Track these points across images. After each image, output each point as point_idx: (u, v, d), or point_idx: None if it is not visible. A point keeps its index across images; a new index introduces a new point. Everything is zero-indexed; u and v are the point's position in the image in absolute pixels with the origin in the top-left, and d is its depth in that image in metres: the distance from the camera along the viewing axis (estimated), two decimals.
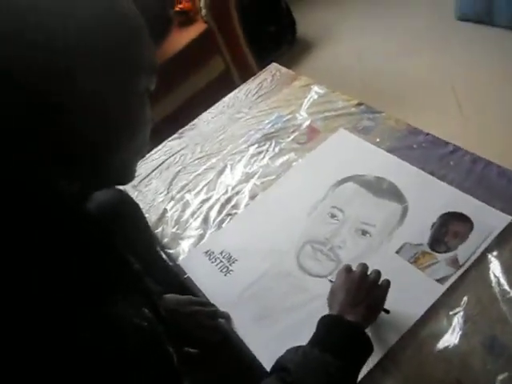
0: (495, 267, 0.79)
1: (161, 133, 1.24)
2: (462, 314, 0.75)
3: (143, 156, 0.56)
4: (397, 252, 0.86)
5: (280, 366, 0.61)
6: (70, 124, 0.44)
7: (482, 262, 0.80)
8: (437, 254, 0.83)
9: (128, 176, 0.54)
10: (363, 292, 0.70)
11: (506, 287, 0.76)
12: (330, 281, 0.78)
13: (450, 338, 0.73)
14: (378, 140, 1.07)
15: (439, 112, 1.86)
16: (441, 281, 0.79)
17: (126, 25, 0.47)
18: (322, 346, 0.62)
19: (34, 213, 0.43)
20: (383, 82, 2.11)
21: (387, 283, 0.74)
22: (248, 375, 0.81)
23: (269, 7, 2.38)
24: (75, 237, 0.45)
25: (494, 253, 0.80)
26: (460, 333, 0.73)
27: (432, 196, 0.92)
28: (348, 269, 0.75)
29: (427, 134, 1.05)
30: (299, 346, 0.63)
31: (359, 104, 1.18)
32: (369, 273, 0.74)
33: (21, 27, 0.40)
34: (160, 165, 1.22)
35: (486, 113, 1.82)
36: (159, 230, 1.06)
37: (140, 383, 0.43)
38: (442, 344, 0.73)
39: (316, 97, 1.24)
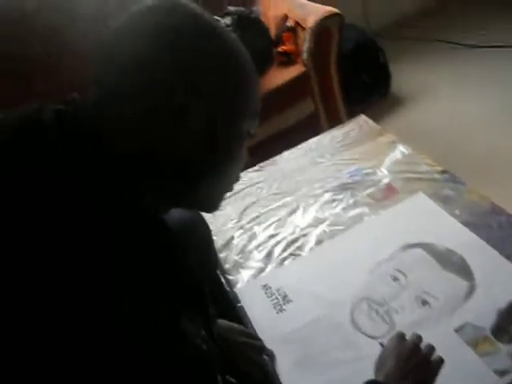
0: None
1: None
2: None
3: (230, 190, 0.60)
4: (456, 330, 0.83)
5: None
6: (178, 149, 0.49)
7: None
8: (499, 343, 0.79)
9: (214, 207, 0.59)
10: (412, 365, 0.69)
11: None
12: (381, 344, 0.77)
13: None
14: (456, 212, 1.05)
15: None
16: (500, 373, 0.75)
17: (243, 73, 0.52)
18: None
19: (119, 220, 0.47)
20: (472, 150, 2.05)
21: (440, 361, 0.72)
22: None
23: (367, 58, 2.43)
24: (154, 247, 0.49)
25: None
26: None
27: (503, 280, 0.89)
28: (401, 336, 0.74)
29: (510, 216, 1.01)
30: None
31: (443, 172, 1.16)
32: (422, 346, 0.72)
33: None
34: (236, 193, 1.27)
35: None
36: (223, 254, 1.10)
37: None
38: None
39: (400, 156, 1.25)
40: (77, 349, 0.41)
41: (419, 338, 0.73)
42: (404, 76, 2.58)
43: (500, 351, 0.78)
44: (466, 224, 1.02)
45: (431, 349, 0.72)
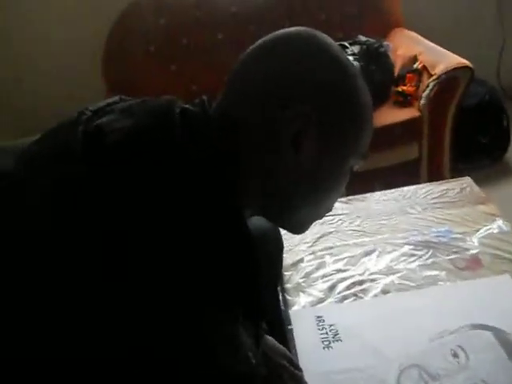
0: None
1: None
2: None
3: (320, 219, 0.62)
4: None
5: None
6: (282, 173, 0.52)
7: None
8: None
9: (300, 230, 0.61)
10: None
11: None
12: None
13: None
14: None
15: None
16: None
17: (362, 111, 0.54)
18: None
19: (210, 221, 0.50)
20: None
21: None
22: None
23: (489, 117, 2.30)
24: (232, 251, 0.51)
25: None
26: None
27: None
28: None
29: None
30: None
31: None
32: None
33: None
34: None
35: None
36: (288, 273, 1.12)
37: None
38: None
39: (496, 231, 1.18)
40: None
41: None
42: None
43: None
44: None
45: None
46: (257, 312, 0.62)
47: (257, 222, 0.85)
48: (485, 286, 1.04)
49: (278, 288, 1.08)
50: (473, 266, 1.09)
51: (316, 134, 0.51)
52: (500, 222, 1.20)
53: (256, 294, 0.58)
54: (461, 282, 1.05)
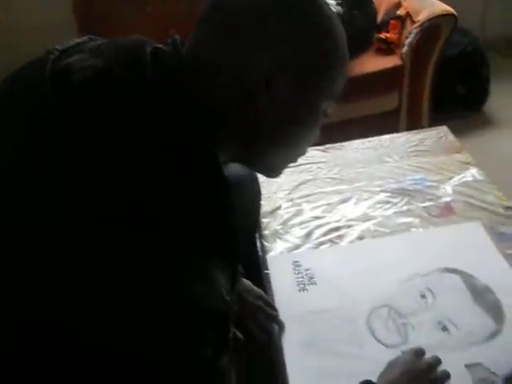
0: None
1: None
2: None
3: (295, 162, 0.62)
4: (467, 366, 0.82)
5: None
6: (260, 112, 0.51)
7: None
8: None
9: (275, 173, 0.62)
10: (418, 382, 0.70)
11: None
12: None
13: None
14: (509, 252, 1.01)
15: None
16: None
17: (335, 54, 0.53)
18: None
19: (192, 170, 0.50)
20: None
21: None
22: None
23: (469, 69, 2.29)
24: (210, 196, 0.51)
25: None
26: None
27: None
28: (419, 353, 0.74)
29: None
30: None
31: (509, 208, 1.11)
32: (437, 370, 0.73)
33: None
34: (296, 166, 1.28)
35: None
36: (266, 220, 1.13)
37: (197, 337, 0.48)
38: None
39: (470, 179, 1.20)
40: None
41: (438, 362, 0.73)
42: (503, 97, 2.43)
43: None
44: None
45: (446, 376, 0.73)
46: (232, 254, 0.63)
47: (234, 169, 0.86)
48: (456, 233, 1.07)
49: (256, 234, 1.10)
50: (445, 213, 1.12)
51: (290, 75, 0.50)
52: (474, 170, 1.23)
53: (230, 235, 0.59)
54: (433, 228, 1.08)
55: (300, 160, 1.26)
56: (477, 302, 0.92)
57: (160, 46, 0.54)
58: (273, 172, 0.62)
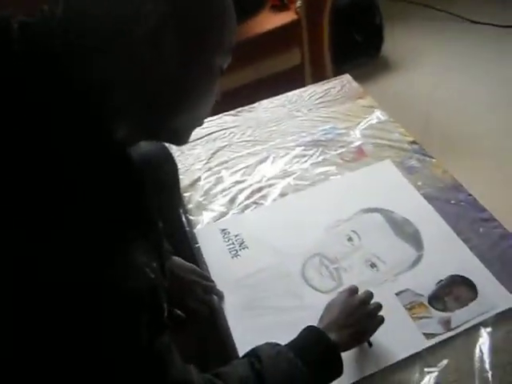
0: (484, 343, 0.80)
1: (219, 104, 1.29)
2: (436, 374, 0.77)
3: (201, 125, 0.60)
4: (396, 294, 0.87)
5: (254, 353, 0.65)
6: (144, 77, 0.48)
7: (473, 333, 0.81)
8: (432, 310, 0.84)
9: (182, 139, 0.59)
10: (355, 317, 0.73)
11: (487, 366, 0.77)
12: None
13: None
14: (419, 183, 1.08)
15: (490, 174, 1.83)
16: (428, 336, 0.81)
17: (221, 4, 0.51)
18: (297, 352, 0.66)
19: (79, 147, 0.46)
20: (446, 124, 2.08)
21: (381, 319, 0.77)
22: (221, 352, 0.86)
23: (362, 17, 2.36)
24: (112, 175, 0.49)
25: (488, 329, 0.81)
26: None
27: (449, 254, 0.93)
28: (353, 291, 0.78)
29: (469, 195, 1.05)
30: (278, 344, 0.68)
31: (413, 142, 1.18)
32: (371, 303, 0.77)
33: None
34: (209, 134, 1.26)
35: None
36: (187, 194, 1.11)
37: (129, 323, 0.47)
38: None
39: (375, 121, 1.25)
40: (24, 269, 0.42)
41: (370, 296, 0.77)
42: (397, 40, 2.54)
43: (432, 317, 0.83)
44: (426, 196, 1.05)
45: (378, 308, 0.77)
46: (154, 233, 0.61)
47: (144, 147, 0.82)
48: (370, 173, 1.12)
49: (180, 209, 1.07)
50: (358, 156, 1.16)
51: (175, 31, 0.47)
52: (378, 112, 1.28)
53: (149, 215, 0.57)
54: (349, 173, 1.12)
55: (212, 128, 1.27)
56: (398, 234, 0.98)
57: (28, 19, 0.48)
58: (180, 139, 0.59)
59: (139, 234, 0.51)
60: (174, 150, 1.17)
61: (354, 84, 1.40)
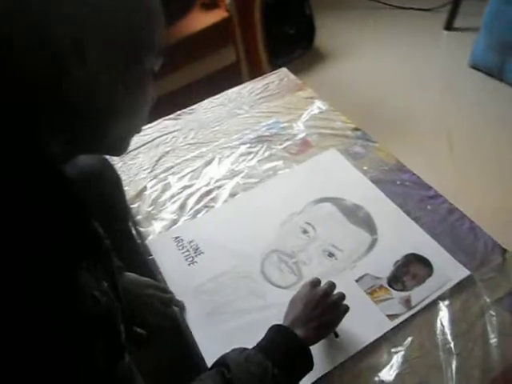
0: (444, 316, 0.82)
1: (157, 109, 1.25)
2: (402, 353, 0.78)
3: (139, 132, 0.57)
4: (356, 280, 0.88)
5: (222, 362, 0.63)
6: (72, 90, 0.45)
7: (432, 308, 0.83)
8: (393, 291, 0.86)
9: (120, 149, 0.56)
10: (320, 310, 0.73)
11: (449, 337, 0.79)
12: None
13: (386, 375, 0.76)
14: (365, 168, 1.10)
15: (430, 152, 1.90)
16: (391, 317, 0.82)
17: (142, 3, 0.48)
18: (266, 354, 0.65)
19: (8, 167, 0.43)
20: (385, 109, 2.14)
21: (346, 308, 0.77)
22: (188, 365, 0.83)
23: (292, 10, 2.38)
24: (50, 198, 0.46)
25: (446, 302, 0.84)
26: (396, 372, 0.76)
27: (402, 235, 0.95)
28: (315, 283, 0.77)
29: (413, 174, 1.08)
30: (245, 348, 0.66)
31: (356, 129, 1.20)
32: (334, 293, 0.76)
33: None
34: (150, 141, 1.22)
35: (474, 163, 1.86)
36: (135, 205, 1.07)
37: (85, 352, 0.44)
38: (377, 378, 0.76)
39: (316, 111, 1.26)
40: None
41: (332, 286, 0.77)
42: (328, 31, 2.59)
43: (393, 298, 0.85)
44: (373, 180, 1.06)
45: (341, 297, 0.77)
46: (101, 252, 0.57)
47: (83, 162, 0.77)
48: (317, 164, 1.13)
49: (129, 223, 1.03)
50: (304, 148, 1.17)
51: (96, 38, 0.44)
52: (318, 103, 1.29)
53: (92, 233, 0.53)
54: (297, 165, 1.12)
55: (153, 134, 1.23)
56: (351, 221, 0.99)
57: None
58: (118, 149, 0.56)
59: (84, 257, 0.48)
60: (115, 160, 1.13)
61: (292, 77, 1.41)
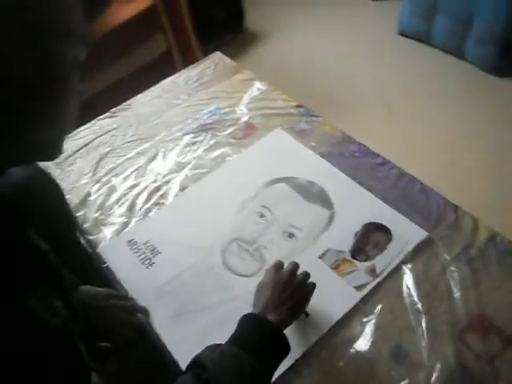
0: (408, 279, 0.83)
1: (92, 110, 1.18)
2: (374, 321, 0.79)
3: (70, 132, 0.52)
4: (320, 257, 0.88)
5: (197, 362, 0.61)
6: None
7: (397, 272, 0.84)
8: (357, 262, 0.86)
9: (53, 152, 0.50)
10: (289, 292, 0.71)
11: (415, 298, 0.80)
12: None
13: (361, 345, 0.76)
14: (313, 144, 1.09)
15: (371, 120, 1.93)
16: (358, 288, 0.82)
17: None
18: (241, 345, 0.63)
19: None
20: (323, 85, 2.15)
21: (313, 286, 0.76)
22: (162, 371, 0.80)
23: None
24: None
25: (409, 265, 0.85)
26: (371, 340, 0.76)
27: (358, 205, 0.95)
28: (278, 266, 0.75)
29: (360, 144, 1.08)
30: (218, 344, 0.63)
31: (298, 106, 1.18)
32: (298, 273, 0.75)
33: None
34: (87, 144, 1.15)
35: (412, 124, 1.92)
36: (81, 213, 1.00)
37: (46, 381, 0.41)
38: (353, 350, 0.76)
39: (257, 93, 1.24)
40: None
41: (296, 266, 0.76)
42: (257, 11, 2.56)
43: (358, 270, 0.85)
44: (322, 155, 1.06)
45: (306, 275, 0.76)
46: (51, 271, 0.53)
47: (19, 176, 0.71)
48: (265, 146, 1.10)
49: (77, 233, 0.97)
50: (249, 132, 1.14)
51: (20, 25, 0.39)
52: (257, 83, 1.26)
53: (40, 255, 0.49)
54: (244, 150, 1.10)
55: (90, 136, 1.16)
56: (306, 198, 0.98)
57: None
58: (50, 152, 0.50)
59: (31, 278, 0.44)
60: (52, 169, 1.06)
61: (227, 60, 1.37)
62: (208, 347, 0.63)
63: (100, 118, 1.21)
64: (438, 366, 0.73)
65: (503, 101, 1.95)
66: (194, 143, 1.12)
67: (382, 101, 2.04)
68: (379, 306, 0.80)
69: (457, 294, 0.81)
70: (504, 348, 0.75)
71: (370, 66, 2.22)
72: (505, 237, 0.88)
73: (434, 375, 0.72)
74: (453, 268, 0.84)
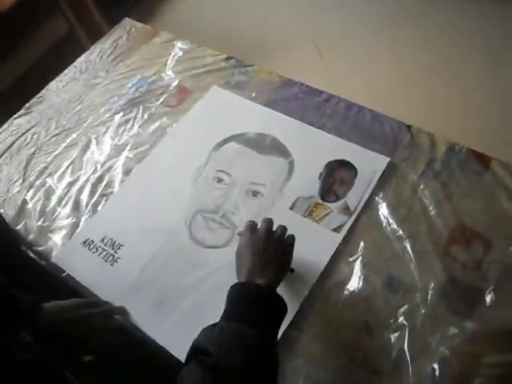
0: (383, 208, 0.81)
1: (7, 108, 1.05)
2: (360, 259, 0.77)
3: None
4: (290, 208, 0.84)
5: (197, 349, 0.56)
6: None
7: (370, 205, 0.82)
8: (329, 204, 0.83)
9: None
10: (270, 250, 0.67)
11: (395, 226, 0.79)
12: (239, 235, 0.73)
13: (353, 284, 0.74)
14: (253, 95, 1.03)
15: (303, 61, 1.88)
16: (337, 230, 0.80)
17: None
18: (237, 319, 0.59)
19: None
20: (248, 31, 2.05)
21: (292, 238, 0.72)
22: (156, 366, 0.74)
23: None
24: None
25: (380, 194, 0.83)
26: (362, 277, 0.75)
27: (315, 146, 0.91)
28: (252, 227, 0.70)
29: (301, 85, 1.03)
30: (214, 324, 0.59)
31: (229, 58, 1.11)
32: (274, 229, 0.71)
33: None
34: (8, 148, 1.03)
35: (343, 55, 1.89)
36: (21, 225, 0.90)
37: None
38: (347, 291, 0.74)
39: (181, 53, 1.14)
40: None
41: (270, 223, 0.71)
42: None
43: (332, 211, 0.82)
44: (265, 104, 1.00)
45: (284, 229, 0.71)
46: (7, 301, 0.46)
47: None
48: (204, 107, 1.03)
49: (23, 248, 0.87)
50: (183, 96, 1.06)
51: None
52: (179, 43, 1.17)
53: None
54: (183, 116, 1.02)
55: (9, 139, 1.03)
56: (261, 152, 0.92)
57: None
58: None
59: None
60: None
61: (140, 25, 1.25)
62: (204, 329, 0.59)
63: (15, 117, 1.08)
64: (432, 284, 0.73)
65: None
66: (126, 121, 1.02)
67: (308, 41, 1.98)
68: (361, 243, 0.78)
69: (432, 211, 0.80)
70: (486, 251, 0.75)
71: (293, 5, 2.14)
72: (462, 145, 0.88)
73: (430, 293, 0.72)
74: (422, 186, 0.83)
